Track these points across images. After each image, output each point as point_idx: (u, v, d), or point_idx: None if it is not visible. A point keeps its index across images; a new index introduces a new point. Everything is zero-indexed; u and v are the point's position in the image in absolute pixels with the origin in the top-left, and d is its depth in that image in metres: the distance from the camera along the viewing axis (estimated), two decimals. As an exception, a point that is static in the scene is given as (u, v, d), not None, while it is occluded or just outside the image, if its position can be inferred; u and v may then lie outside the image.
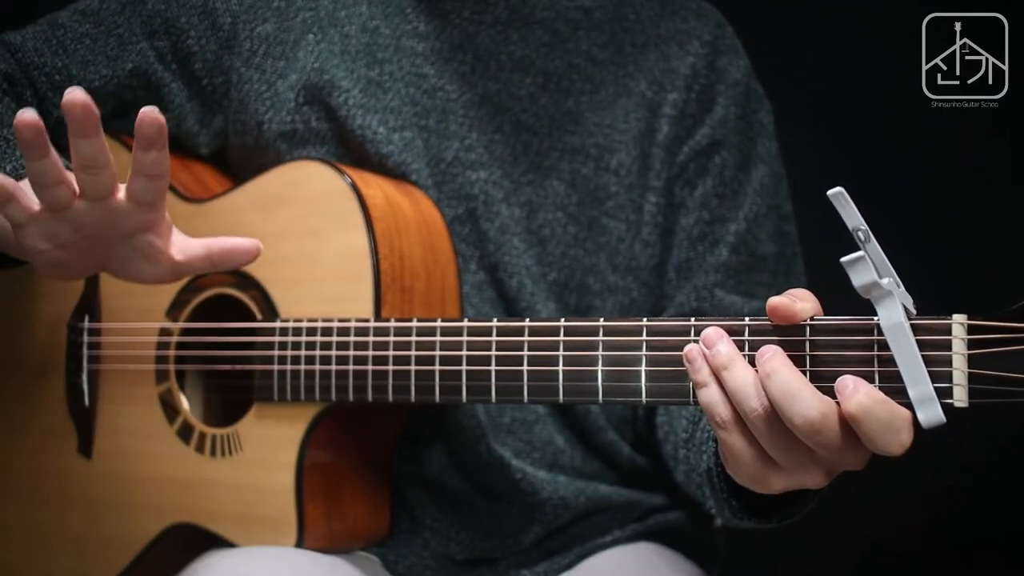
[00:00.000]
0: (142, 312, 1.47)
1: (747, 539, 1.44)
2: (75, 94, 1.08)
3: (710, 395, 1.07)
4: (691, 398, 1.12)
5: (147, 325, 1.47)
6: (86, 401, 1.50)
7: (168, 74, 1.51)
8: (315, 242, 1.38)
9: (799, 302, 1.07)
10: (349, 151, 1.47)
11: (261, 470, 1.38)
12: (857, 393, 1.01)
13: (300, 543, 1.36)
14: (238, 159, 1.51)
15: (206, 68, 1.50)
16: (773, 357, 1.04)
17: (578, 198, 1.48)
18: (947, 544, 2.09)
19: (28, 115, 1.08)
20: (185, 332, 1.45)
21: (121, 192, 1.16)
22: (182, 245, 1.23)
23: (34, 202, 1.16)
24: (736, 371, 1.06)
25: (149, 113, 1.09)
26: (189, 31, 1.49)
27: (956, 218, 2.02)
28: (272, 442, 1.38)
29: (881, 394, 1.02)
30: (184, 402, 1.45)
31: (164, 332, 1.46)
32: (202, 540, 1.42)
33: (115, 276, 1.26)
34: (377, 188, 1.39)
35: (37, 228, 1.17)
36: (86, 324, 1.51)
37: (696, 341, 1.09)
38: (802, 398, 1.02)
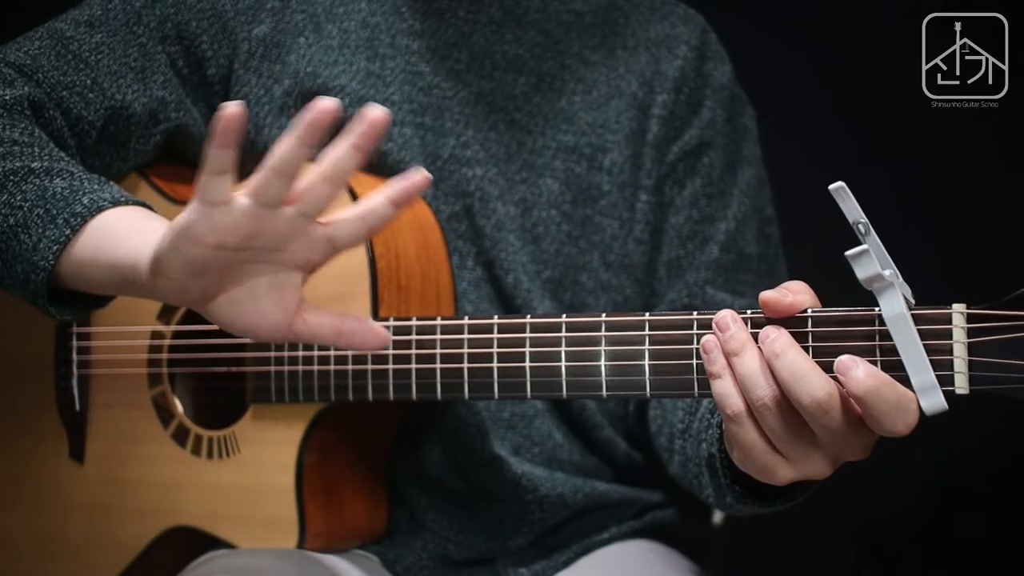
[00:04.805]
0: (132, 315, 1.45)
1: (744, 536, 1.43)
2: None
3: (724, 387, 1.09)
4: (695, 390, 1.14)
5: (138, 329, 1.45)
6: (76, 405, 1.49)
7: (179, 80, 1.47)
8: (310, 241, 1.37)
9: (791, 295, 1.09)
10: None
11: (260, 471, 1.38)
12: (857, 368, 1.03)
13: (302, 543, 1.36)
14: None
15: (219, 74, 1.48)
16: (779, 338, 1.07)
17: (572, 196, 1.49)
18: (946, 540, 2.08)
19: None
20: (177, 335, 1.43)
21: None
22: (310, 307, 1.12)
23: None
24: (747, 357, 1.08)
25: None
26: (201, 35, 1.47)
27: (956, 219, 2.02)
28: (270, 443, 1.37)
29: (884, 374, 1.04)
30: (178, 405, 1.44)
31: (156, 335, 1.44)
32: (199, 543, 1.41)
33: (219, 315, 1.10)
34: (371, 188, 1.38)
35: (222, 216, 1.04)
36: (75, 328, 1.49)
37: (703, 334, 1.11)
38: (810, 379, 1.05)
